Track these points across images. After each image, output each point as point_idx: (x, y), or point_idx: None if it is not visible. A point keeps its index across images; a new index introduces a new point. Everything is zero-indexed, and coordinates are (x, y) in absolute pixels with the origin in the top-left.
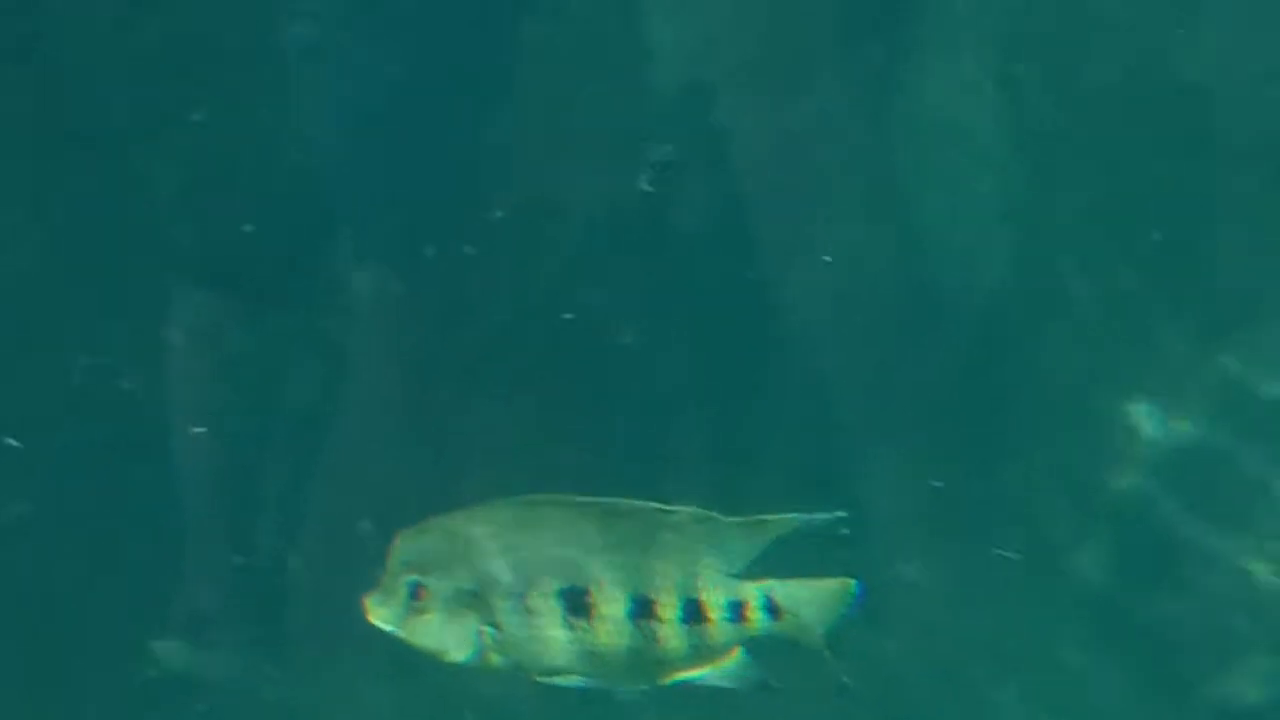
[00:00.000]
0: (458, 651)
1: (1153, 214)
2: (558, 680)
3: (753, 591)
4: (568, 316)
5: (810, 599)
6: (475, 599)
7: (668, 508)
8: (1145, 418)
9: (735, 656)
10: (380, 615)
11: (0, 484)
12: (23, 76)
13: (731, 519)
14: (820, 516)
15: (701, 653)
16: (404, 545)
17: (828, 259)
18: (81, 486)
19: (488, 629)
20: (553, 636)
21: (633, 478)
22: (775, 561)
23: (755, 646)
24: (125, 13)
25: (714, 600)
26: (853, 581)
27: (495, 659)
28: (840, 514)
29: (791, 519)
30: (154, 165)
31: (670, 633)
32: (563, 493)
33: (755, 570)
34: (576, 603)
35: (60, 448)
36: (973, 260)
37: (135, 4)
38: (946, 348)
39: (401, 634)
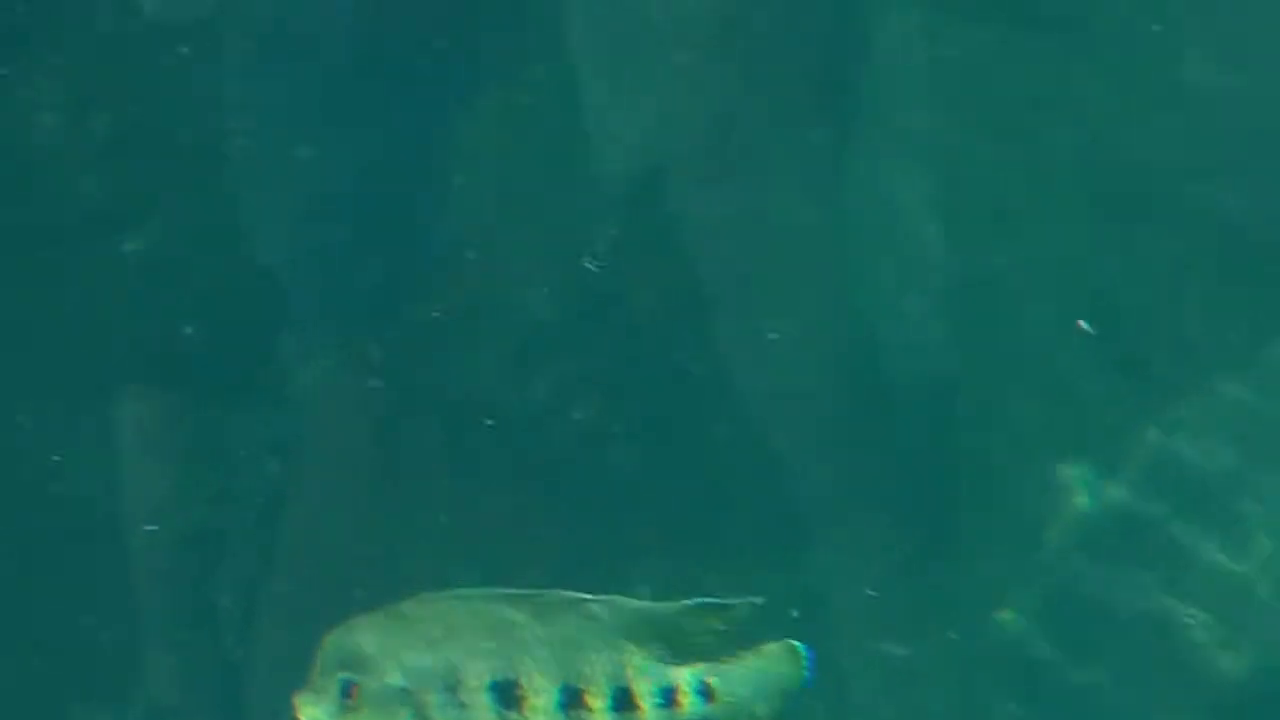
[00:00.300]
0: None
1: (1089, 284)
2: None
3: (685, 675)
4: (489, 423)
5: (747, 677)
6: (407, 695)
7: (595, 597)
8: (1080, 484)
9: None
10: (311, 714)
11: None
12: None
13: (656, 604)
14: (734, 602)
15: None
16: (334, 643)
17: (774, 336)
18: (28, 581)
19: None
20: None
21: (586, 565)
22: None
23: None
24: (75, 110)
25: (643, 688)
26: (799, 646)
27: None
28: (756, 599)
29: (715, 601)
30: (102, 263)
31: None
32: (504, 584)
33: (695, 654)
34: (507, 695)
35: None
36: (915, 336)
37: (85, 102)
38: (892, 425)
39: None
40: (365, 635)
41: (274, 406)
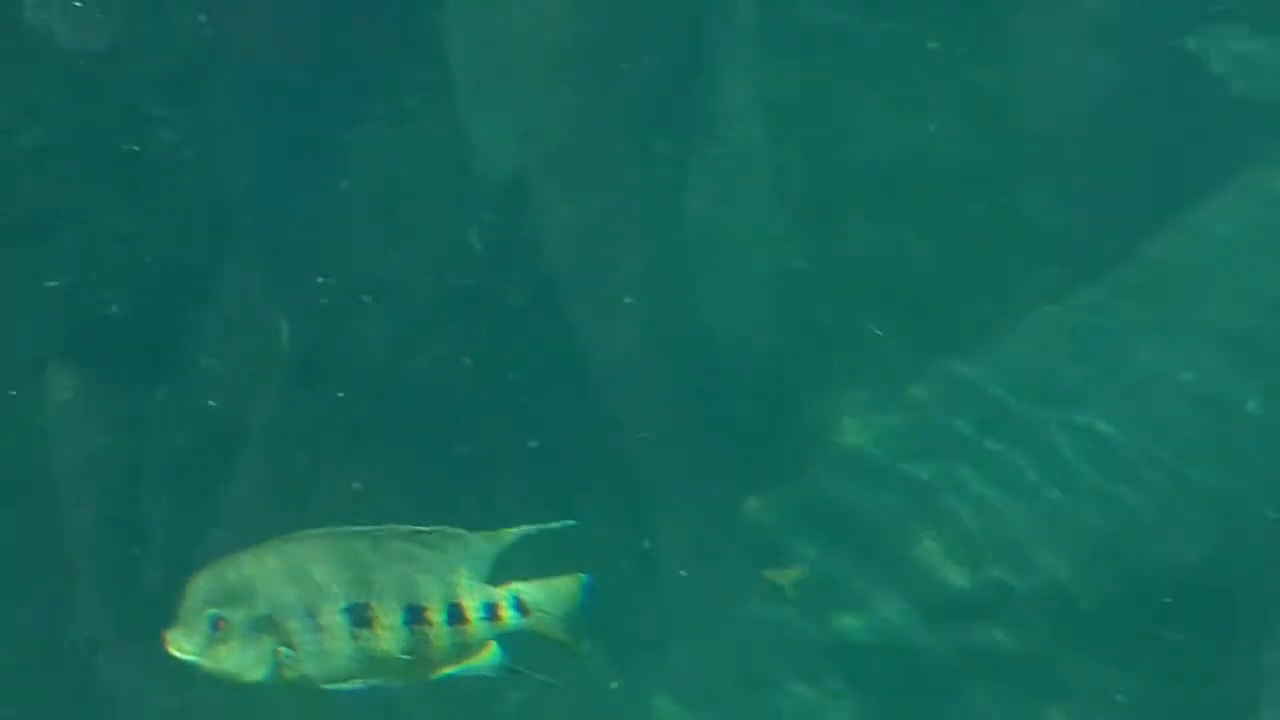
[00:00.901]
0: (255, 672)
1: (900, 276)
2: (343, 685)
3: (503, 594)
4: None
5: (550, 596)
6: (270, 623)
7: (429, 529)
8: (857, 427)
9: (491, 650)
10: (181, 648)
11: None
12: None
13: (478, 533)
14: (553, 525)
15: (464, 649)
16: (201, 584)
17: (629, 300)
18: None
19: (284, 649)
20: (341, 648)
21: (465, 509)
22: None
23: (510, 640)
24: (11, 120)
25: (472, 604)
26: (584, 577)
27: (289, 674)
28: (570, 522)
29: (530, 529)
30: (34, 255)
31: (438, 634)
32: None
33: (504, 576)
34: (360, 616)
35: None
36: (741, 317)
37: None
38: (720, 390)
39: (203, 662)
40: (230, 573)
41: (190, 382)
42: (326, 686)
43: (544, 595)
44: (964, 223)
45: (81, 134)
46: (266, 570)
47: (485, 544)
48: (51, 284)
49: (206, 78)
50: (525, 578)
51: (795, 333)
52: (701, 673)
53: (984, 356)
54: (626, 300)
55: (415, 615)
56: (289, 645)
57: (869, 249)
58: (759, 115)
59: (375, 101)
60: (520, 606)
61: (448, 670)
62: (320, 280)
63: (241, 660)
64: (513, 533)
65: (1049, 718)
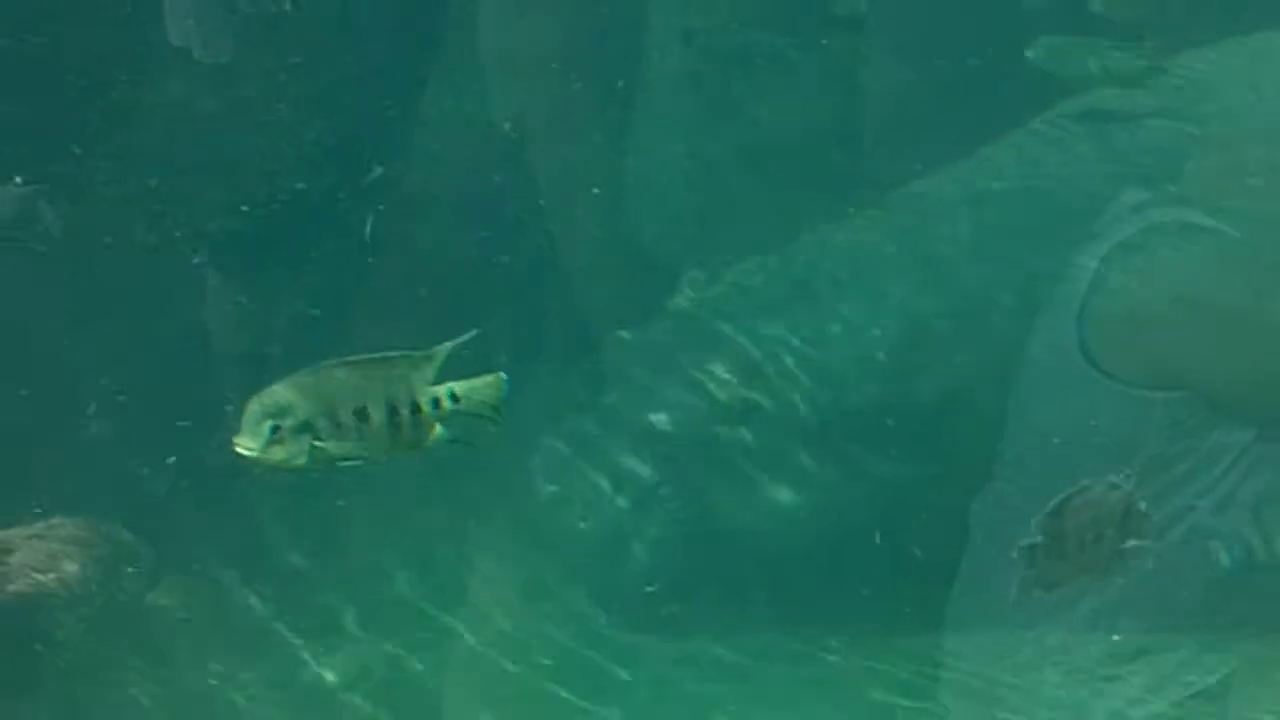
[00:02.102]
0: (298, 460)
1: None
2: (351, 462)
3: (443, 390)
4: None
5: (475, 389)
6: (307, 426)
7: (397, 354)
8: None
9: (437, 431)
10: (246, 447)
11: None
12: None
13: (422, 353)
14: (465, 338)
15: (422, 432)
16: (257, 402)
17: (595, 191)
18: None
19: (316, 443)
20: (350, 438)
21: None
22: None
23: (452, 422)
24: (181, 100)
25: (424, 400)
26: (502, 375)
27: (318, 459)
28: (474, 332)
29: (451, 345)
30: (202, 185)
31: (405, 424)
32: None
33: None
34: (361, 416)
35: None
36: (640, 220)
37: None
38: (608, 265)
39: (261, 457)
40: (278, 394)
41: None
42: (341, 464)
43: (469, 389)
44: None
45: (220, 111)
46: (301, 390)
47: (428, 360)
48: (215, 205)
49: (297, 74)
50: (459, 378)
51: (663, 233)
52: (570, 442)
53: (779, 251)
54: (574, 219)
55: (393, 412)
56: (318, 439)
57: (719, 186)
58: (676, 103)
59: (428, 91)
60: (454, 397)
61: (414, 448)
62: (380, 207)
63: (288, 454)
64: (443, 349)
65: (778, 484)
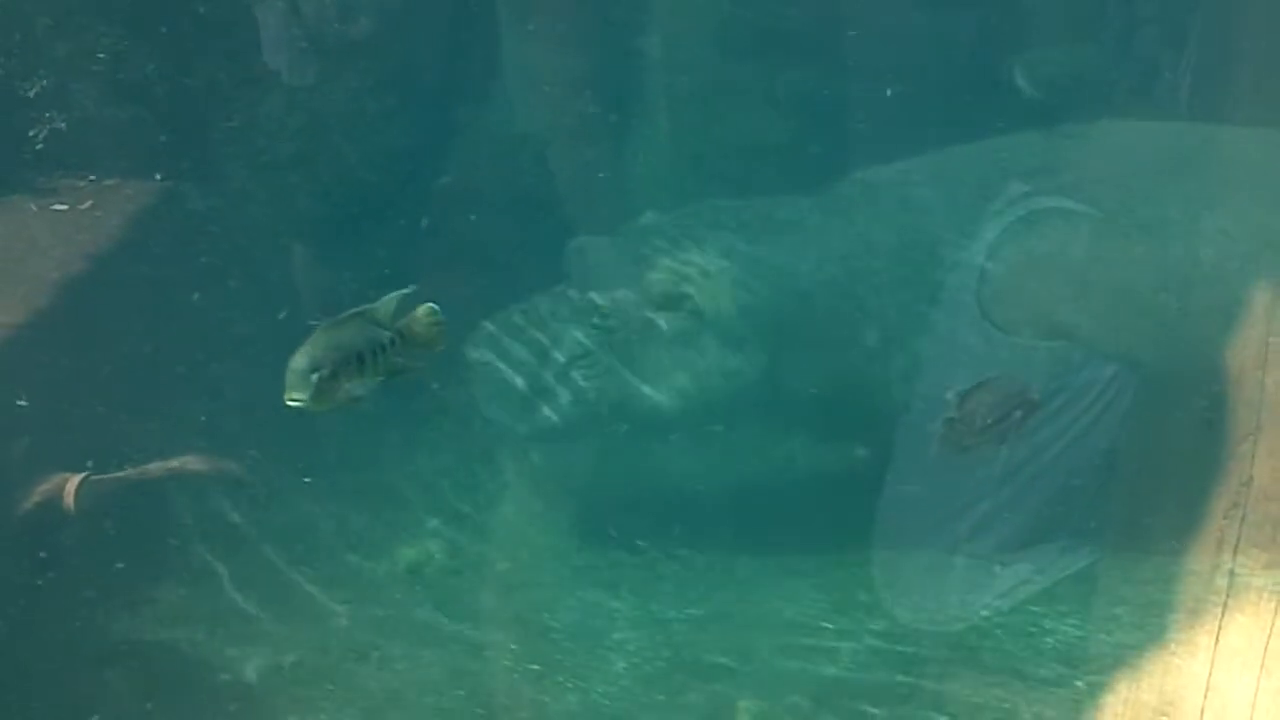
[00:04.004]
0: (331, 403)
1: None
2: (359, 394)
3: (398, 327)
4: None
5: (416, 320)
6: (335, 374)
7: (364, 307)
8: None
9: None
10: (297, 399)
11: None
12: None
13: (379, 303)
14: (408, 290)
15: (392, 364)
16: (299, 361)
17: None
18: None
19: (347, 385)
20: (355, 377)
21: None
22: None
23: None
24: (278, 115)
25: (385, 340)
26: (434, 306)
27: (340, 399)
28: (407, 290)
29: (399, 293)
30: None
31: (382, 360)
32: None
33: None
34: (362, 359)
35: None
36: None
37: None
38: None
39: (307, 405)
40: (312, 352)
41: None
42: (352, 397)
43: (408, 323)
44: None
45: (306, 122)
46: (325, 347)
47: (386, 309)
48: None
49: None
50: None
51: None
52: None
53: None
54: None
55: (375, 352)
56: (338, 381)
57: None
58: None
59: (475, 90)
60: (401, 335)
61: (391, 375)
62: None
63: (325, 399)
64: (392, 299)
65: None
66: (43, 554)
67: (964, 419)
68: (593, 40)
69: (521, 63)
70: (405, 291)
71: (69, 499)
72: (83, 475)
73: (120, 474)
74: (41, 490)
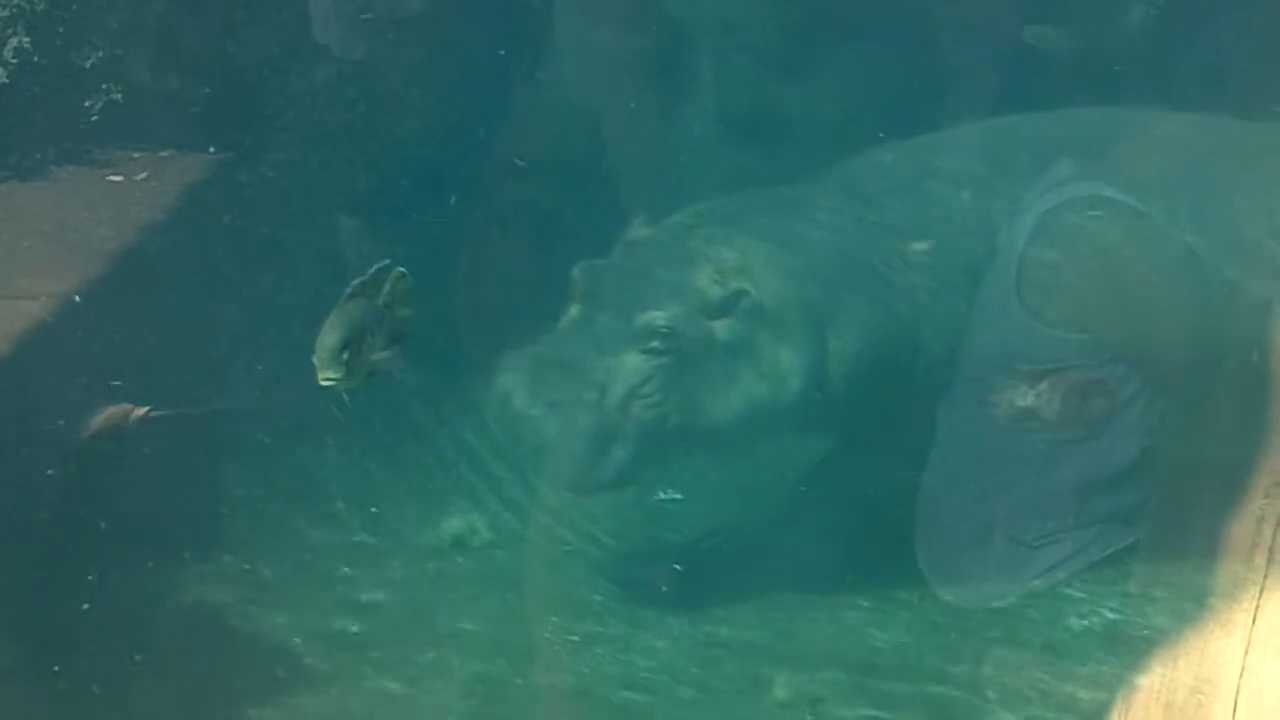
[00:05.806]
0: (356, 380)
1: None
2: (370, 366)
3: (383, 298)
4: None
5: (394, 285)
6: (359, 350)
7: (357, 281)
8: None
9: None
10: (329, 378)
11: None
12: None
13: (366, 277)
14: (380, 266)
15: (391, 335)
16: (327, 341)
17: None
18: None
19: (371, 359)
20: (371, 351)
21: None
22: None
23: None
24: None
25: (371, 322)
26: (404, 270)
27: (363, 374)
28: (385, 263)
29: (378, 266)
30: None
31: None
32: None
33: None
34: (372, 332)
35: None
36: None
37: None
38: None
39: (337, 383)
40: (338, 332)
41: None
42: (367, 372)
43: (389, 291)
44: None
45: (357, 95)
46: (348, 326)
47: (374, 282)
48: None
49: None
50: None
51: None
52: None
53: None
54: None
55: (379, 323)
56: (366, 357)
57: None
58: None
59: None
60: (388, 305)
61: (392, 345)
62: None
63: (353, 375)
64: (375, 267)
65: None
66: (103, 523)
67: (1041, 408)
68: (648, 16)
69: (575, 38)
70: (383, 264)
71: (125, 435)
72: (141, 413)
73: (173, 433)
74: (93, 445)
